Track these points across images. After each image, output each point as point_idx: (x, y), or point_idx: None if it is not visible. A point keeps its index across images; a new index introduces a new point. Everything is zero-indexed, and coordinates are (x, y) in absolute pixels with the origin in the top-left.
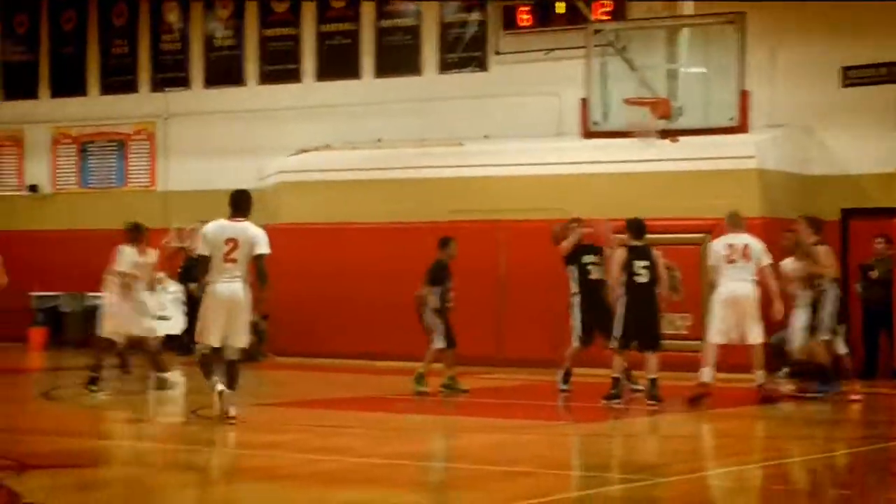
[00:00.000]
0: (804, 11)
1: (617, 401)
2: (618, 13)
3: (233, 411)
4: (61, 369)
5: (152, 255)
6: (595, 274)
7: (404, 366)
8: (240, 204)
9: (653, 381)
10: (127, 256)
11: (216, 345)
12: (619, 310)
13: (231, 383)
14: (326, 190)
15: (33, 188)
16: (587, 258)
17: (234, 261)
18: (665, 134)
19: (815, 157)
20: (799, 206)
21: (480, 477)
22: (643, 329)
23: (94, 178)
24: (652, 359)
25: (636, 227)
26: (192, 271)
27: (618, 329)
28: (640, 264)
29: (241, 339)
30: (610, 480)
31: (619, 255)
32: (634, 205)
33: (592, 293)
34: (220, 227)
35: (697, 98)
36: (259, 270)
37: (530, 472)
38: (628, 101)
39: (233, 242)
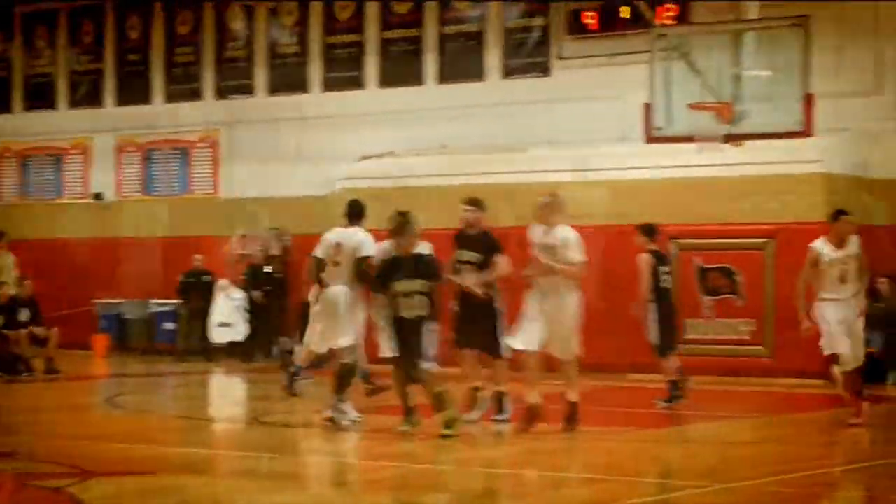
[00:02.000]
0: (870, 13)
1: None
2: (682, 17)
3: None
4: (124, 376)
5: None
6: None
7: None
8: (349, 211)
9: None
10: None
11: (319, 350)
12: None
13: (337, 387)
14: (391, 196)
15: (98, 196)
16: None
17: (337, 264)
18: (729, 138)
19: (881, 160)
20: (864, 210)
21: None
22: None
23: (159, 186)
24: None
25: (650, 231)
26: (256, 278)
27: (654, 336)
28: (664, 269)
29: (340, 341)
30: (672, 487)
31: (646, 260)
32: (699, 210)
33: None
34: (332, 233)
35: (762, 102)
36: (357, 272)
37: (597, 479)
38: (692, 106)
39: (338, 247)
